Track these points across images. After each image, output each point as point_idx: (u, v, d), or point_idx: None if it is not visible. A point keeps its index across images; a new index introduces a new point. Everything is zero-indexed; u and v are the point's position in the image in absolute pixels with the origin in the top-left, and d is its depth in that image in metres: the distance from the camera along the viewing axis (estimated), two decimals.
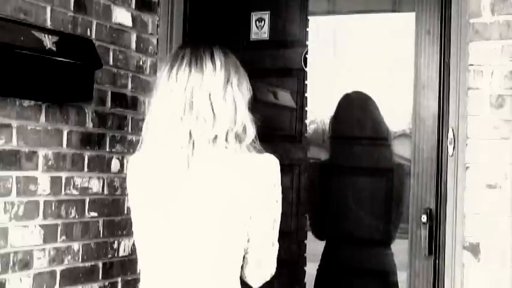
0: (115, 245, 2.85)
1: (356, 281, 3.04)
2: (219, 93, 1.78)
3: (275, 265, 1.88)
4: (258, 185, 1.76)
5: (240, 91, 1.82)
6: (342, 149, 3.16)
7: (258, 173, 1.77)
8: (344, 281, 3.09)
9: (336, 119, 3.15)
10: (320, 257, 3.14)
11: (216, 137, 1.76)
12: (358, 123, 3.10)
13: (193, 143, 1.77)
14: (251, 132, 1.81)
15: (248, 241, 1.79)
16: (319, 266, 3.14)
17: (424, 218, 2.59)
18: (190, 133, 1.76)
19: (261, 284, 1.90)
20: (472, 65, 2.42)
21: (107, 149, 2.81)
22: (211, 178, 1.76)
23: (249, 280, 1.87)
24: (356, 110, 3.09)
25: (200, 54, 1.81)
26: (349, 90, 3.09)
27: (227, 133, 1.77)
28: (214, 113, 1.76)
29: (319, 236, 3.16)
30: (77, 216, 2.66)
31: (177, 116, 1.76)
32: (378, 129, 3.06)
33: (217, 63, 1.80)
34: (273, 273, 1.89)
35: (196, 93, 1.77)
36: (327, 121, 3.25)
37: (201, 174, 1.76)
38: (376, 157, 3.07)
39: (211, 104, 1.76)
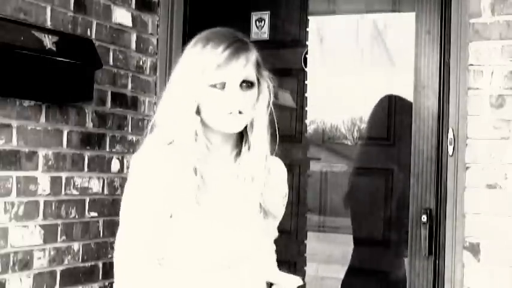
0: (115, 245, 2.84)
1: (382, 283, 3.01)
2: None
3: None
4: None
5: None
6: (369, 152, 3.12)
7: None
8: (371, 283, 3.05)
9: (368, 121, 3.10)
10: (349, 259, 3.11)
11: None
12: (388, 125, 3.04)
13: None
14: None
15: None
16: (348, 268, 3.10)
17: (424, 218, 2.59)
18: None
19: None
20: (472, 65, 2.42)
21: (107, 149, 2.81)
22: None
23: None
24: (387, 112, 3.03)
25: None
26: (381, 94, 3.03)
27: None
28: None
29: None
30: (77, 216, 2.66)
31: None
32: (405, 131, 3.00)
33: None
34: None
35: None
36: (327, 121, 3.24)
37: None
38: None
39: None
